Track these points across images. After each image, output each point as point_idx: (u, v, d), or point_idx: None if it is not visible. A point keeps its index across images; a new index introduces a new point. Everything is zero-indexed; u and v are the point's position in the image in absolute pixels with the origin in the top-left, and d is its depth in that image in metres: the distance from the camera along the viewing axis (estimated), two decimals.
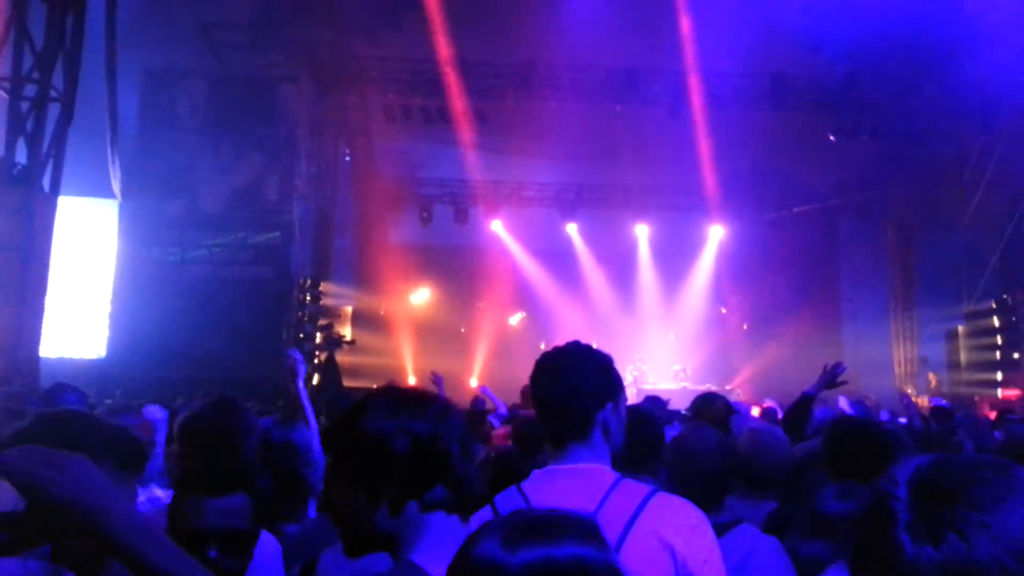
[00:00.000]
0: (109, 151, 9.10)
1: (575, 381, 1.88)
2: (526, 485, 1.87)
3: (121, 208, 11.61)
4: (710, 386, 14.83)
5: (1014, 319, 13.17)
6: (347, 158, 16.09)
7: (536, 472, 1.90)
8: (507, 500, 1.87)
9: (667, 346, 16.35)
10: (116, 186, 9.59)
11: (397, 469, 1.44)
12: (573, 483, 1.81)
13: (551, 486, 1.84)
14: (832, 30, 12.61)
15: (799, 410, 4.14)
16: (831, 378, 4.39)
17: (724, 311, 18.04)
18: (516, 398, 9.00)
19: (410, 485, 1.45)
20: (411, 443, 1.44)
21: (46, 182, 7.44)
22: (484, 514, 1.88)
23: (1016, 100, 12.87)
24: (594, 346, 2.01)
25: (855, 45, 12.77)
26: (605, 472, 1.83)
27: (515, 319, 17.87)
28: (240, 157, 12.93)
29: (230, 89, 12.86)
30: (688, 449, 2.74)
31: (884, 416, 7.21)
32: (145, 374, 10.09)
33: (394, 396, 1.52)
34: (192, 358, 10.79)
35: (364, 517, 1.44)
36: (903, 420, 5.75)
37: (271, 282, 12.78)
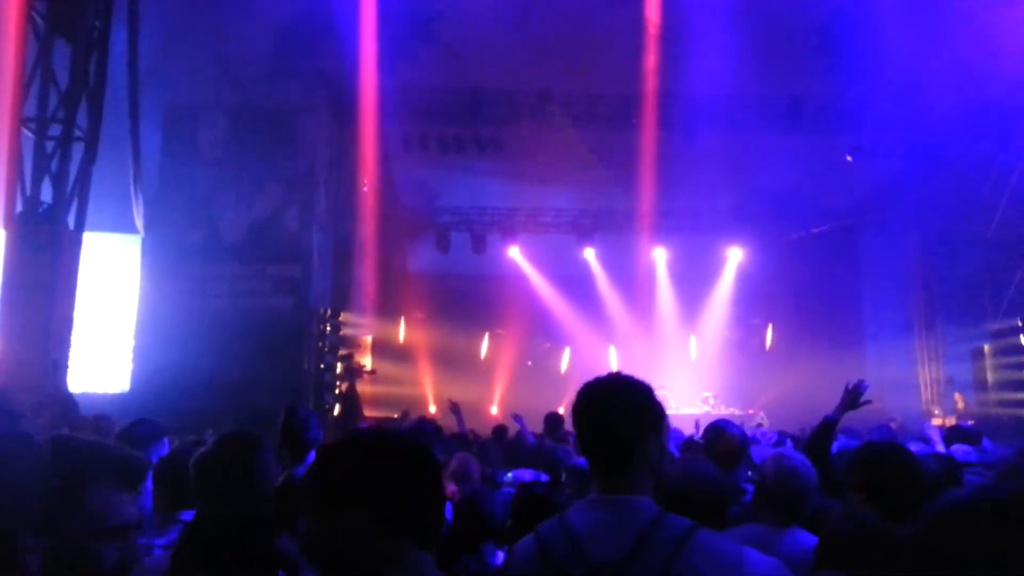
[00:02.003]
0: (132, 187, 9.26)
1: (617, 412, 1.89)
2: (570, 514, 1.88)
3: (144, 242, 11.77)
4: (733, 411, 14.72)
5: None
6: (365, 188, 16.23)
7: (578, 503, 1.93)
8: (550, 530, 1.88)
9: (688, 371, 16.25)
10: (139, 221, 9.74)
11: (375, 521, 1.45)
12: (614, 515, 1.83)
13: (593, 516, 1.85)
14: (848, 49, 12.63)
15: (821, 436, 4.07)
16: (854, 398, 4.31)
17: (737, 335, 17.91)
18: (538, 425, 8.99)
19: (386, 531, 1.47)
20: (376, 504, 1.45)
21: (71, 220, 7.57)
22: (527, 543, 1.89)
23: None
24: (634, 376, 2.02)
25: (870, 64, 12.77)
26: (647, 505, 1.84)
27: (546, 353, 17.79)
28: (260, 189, 13.08)
29: (249, 122, 13.04)
30: (686, 477, 2.69)
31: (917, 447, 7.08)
32: (168, 407, 10.11)
33: (358, 450, 1.53)
34: (215, 389, 10.84)
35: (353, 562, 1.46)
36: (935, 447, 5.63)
37: (291, 312, 12.86)
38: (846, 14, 12.14)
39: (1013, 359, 13.42)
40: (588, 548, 1.78)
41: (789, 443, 5.90)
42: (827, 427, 4.09)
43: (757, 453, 3.76)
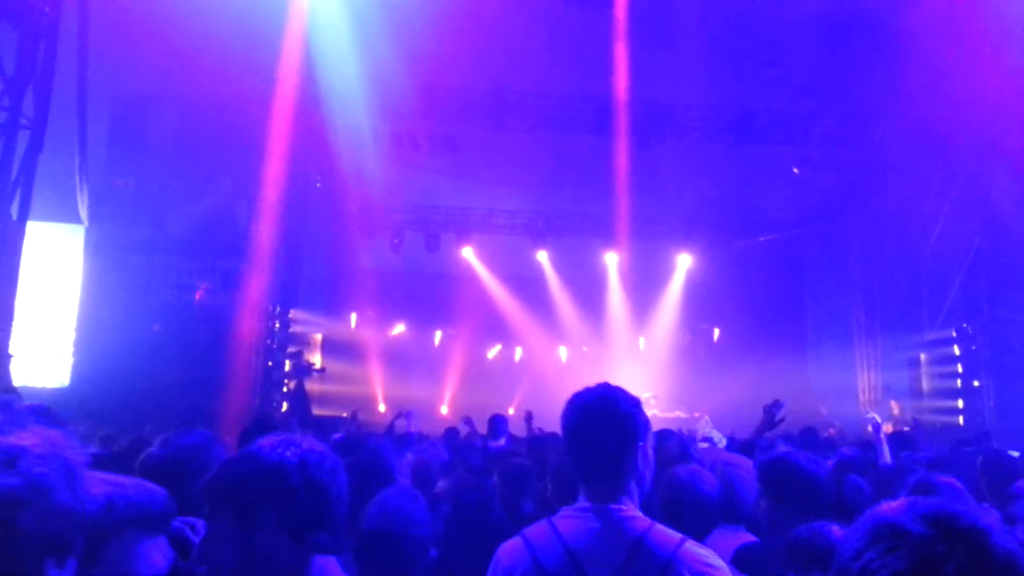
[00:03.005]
0: (77, 177, 9.00)
1: (607, 424, 1.94)
2: (558, 521, 1.92)
3: (88, 233, 11.45)
4: (679, 414, 14.97)
5: (974, 347, 13.48)
6: (318, 184, 16.05)
7: (567, 509, 1.95)
8: (539, 535, 1.91)
9: (637, 373, 16.46)
10: (84, 212, 9.47)
11: (283, 513, 1.49)
12: (604, 523, 1.87)
13: (584, 524, 1.88)
14: (796, 65, 12.95)
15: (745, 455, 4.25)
16: (771, 418, 4.51)
17: (688, 340, 18.21)
18: (487, 425, 9.02)
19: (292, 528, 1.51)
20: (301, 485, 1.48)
21: (14, 210, 7.34)
22: (514, 547, 1.92)
23: (973, 137, 13.29)
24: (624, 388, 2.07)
25: (818, 80, 13.12)
26: (636, 516, 1.88)
27: (492, 352, 17.86)
28: (209, 182, 12.83)
29: (200, 114, 12.77)
30: (682, 483, 2.82)
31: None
32: (110, 402, 9.91)
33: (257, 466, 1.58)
34: (158, 386, 10.59)
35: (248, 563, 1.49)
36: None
37: (239, 308, 12.64)
38: (798, 30, 12.44)
39: (947, 368, 13.93)
40: (581, 558, 1.81)
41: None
42: (747, 449, 4.28)
43: (707, 456, 3.88)
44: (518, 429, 8.74)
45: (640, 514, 1.88)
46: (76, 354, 11.39)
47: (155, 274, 12.07)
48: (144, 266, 11.89)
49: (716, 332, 18.21)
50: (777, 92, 13.84)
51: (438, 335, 17.48)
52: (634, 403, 1.99)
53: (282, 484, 1.54)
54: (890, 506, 1.16)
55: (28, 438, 1.16)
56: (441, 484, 4.45)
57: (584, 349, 17.58)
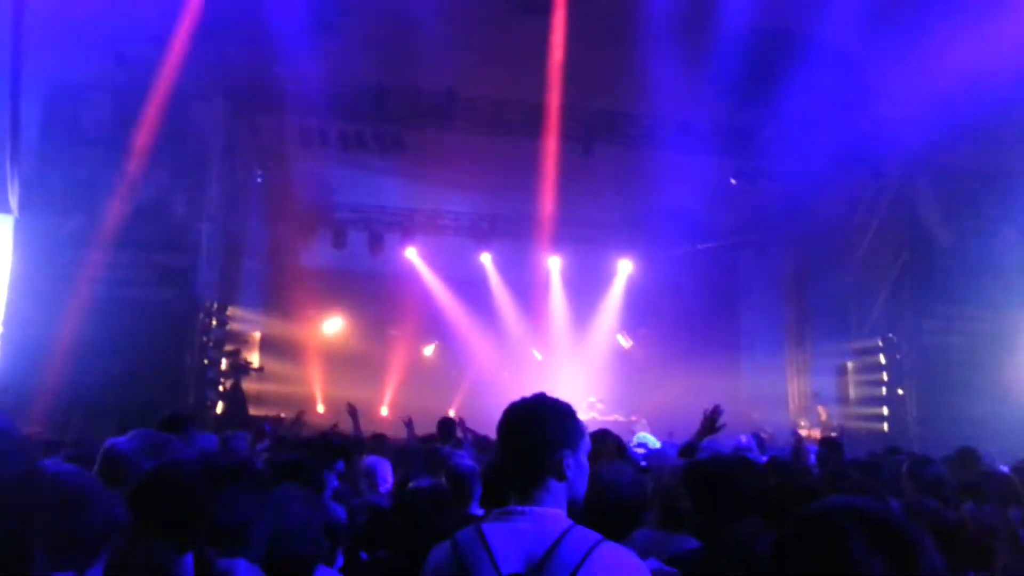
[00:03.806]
0: (8, 165, 8.68)
1: (531, 428, 2.03)
2: (485, 525, 1.98)
3: (17, 224, 11.03)
4: (617, 417, 15.20)
5: (898, 356, 14.05)
6: (259, 179, 15.80)
7: (495, 511, 2.03)
8: (466, 538, 1.98)
9: (577, 377, 16.66)
10: (14, 201, 9.14)
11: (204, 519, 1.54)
12: (527, 526, 1.94)
13: (508, 527, 1.96)
14: (735, 77, 13.30)
15: (685, 455, 4.40)
16: (712, 423, 4.69)
17: (628, 344, 18.49)
18: (429, 427, 9.05)
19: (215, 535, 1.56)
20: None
21: None
22: (443, 549, 1.97)
23: (902, 154, 13.87)
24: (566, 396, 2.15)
25: (755, 93, 13.51)
26: (559, 517, 1.96)
27: (429, 349, 17.83)
28: (146, 174, 12.49)
29: (137, 104, 12.42)
30: (604, 483, 2.88)
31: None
32: (38, 401, 9.58)
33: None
34: (90, 384, 10.28)
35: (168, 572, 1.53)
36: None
37: (175, 304, 12.34)
38: (736, 42, 12.78)
39: (873, 376, 14.48)
40: (498, 558, 1.88)
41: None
42: (689, 451, 4.42)
43: (655, 459, 3.99)
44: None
45: (562, 515, 1.96)
46: (3, 350, 10.96)
47: (87, 267, 11.68)
48: (76, 259, 11.49)
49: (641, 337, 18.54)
50: (717, 103, 14.20)
51: (380, 336, 17.36)
52: (564, 412, 2.06)
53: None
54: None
55: None
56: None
57: (538, 356, 17.69)
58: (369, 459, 4.71)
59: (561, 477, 1.99)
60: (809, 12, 12.02)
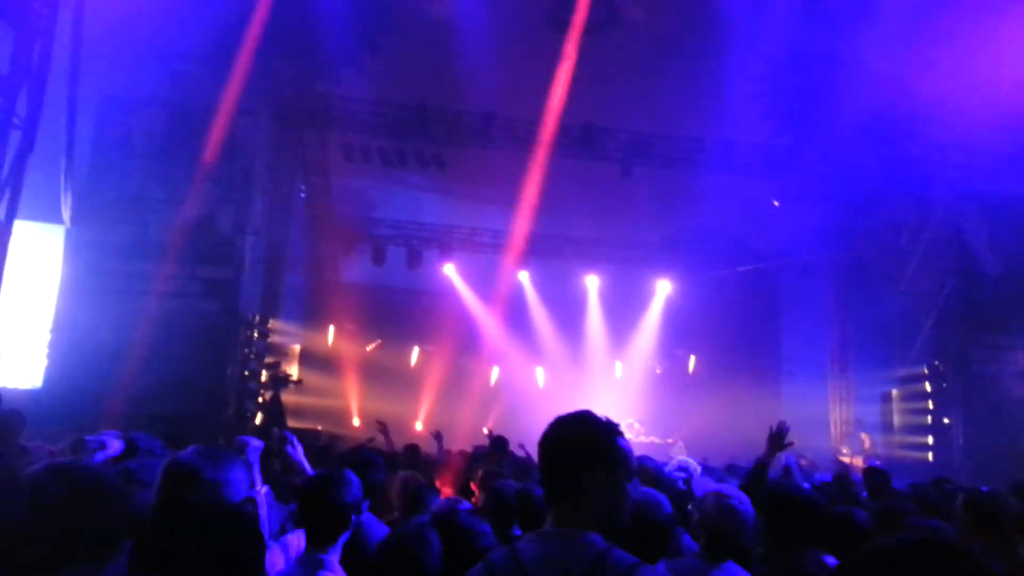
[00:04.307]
0: (63, 178, 8.92)
1: (561, 448, 2.00)
2: (519, 545, 1.95)
3: (68, 235, 11.32)
4: (654, 439, 15.04)
5: (944, 385, 13.71)
6: (302, 194, 16.03)
7: (531, 533, 2.01)
8: (500, 559, 1.95)
9: (613, 397, 16.52)
10: (66, 214, 9.38)
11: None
12: (562, 547, 1.90)
13: (543, 548, 1.93)
14: (778, 99, 13.21)
15: (756, 476, 4.28)
16: (779, 440, 4.57)
17: (659, 371, 18.32)
18: (461, 443, 9.07)
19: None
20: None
21: (2, 210, 7.25)
22: (479, 569, 1.95)
23: (949, 178, 13.60)
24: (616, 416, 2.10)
25: (800, 115, 13.38)
26: (594, 540, 1.91)
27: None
28: (194, 188, 12.75)
29: (188, 119, 12.70)
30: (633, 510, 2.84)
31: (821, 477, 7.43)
32: (81, 407, 9.75)
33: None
34: (132, 392, 10.45)
35: None
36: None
37: (219, 317, 12.52)
38: (778, 65, 12.70)
39: (918, 404, 14.14)
40: None
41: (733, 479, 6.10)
42: (760, 468, 4.31)
43: (699, 487, 3.91)
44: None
45: (597, 538, 1.91)
46: (50, 356, 11.22)
47: (135, 278, 11.92)
48: (124, 270, 11.74)
49: (692, 360, 18.34)
50: (759, 125, 14.09)
51: (416, 351, 17.42)
52: (604, 432, 2.00)
53: None
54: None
55: None
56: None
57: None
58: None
59: (598, 499, 1.94)
60: (854, 35, 11.90)
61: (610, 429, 2.02)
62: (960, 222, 13.93)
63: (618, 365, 17.93)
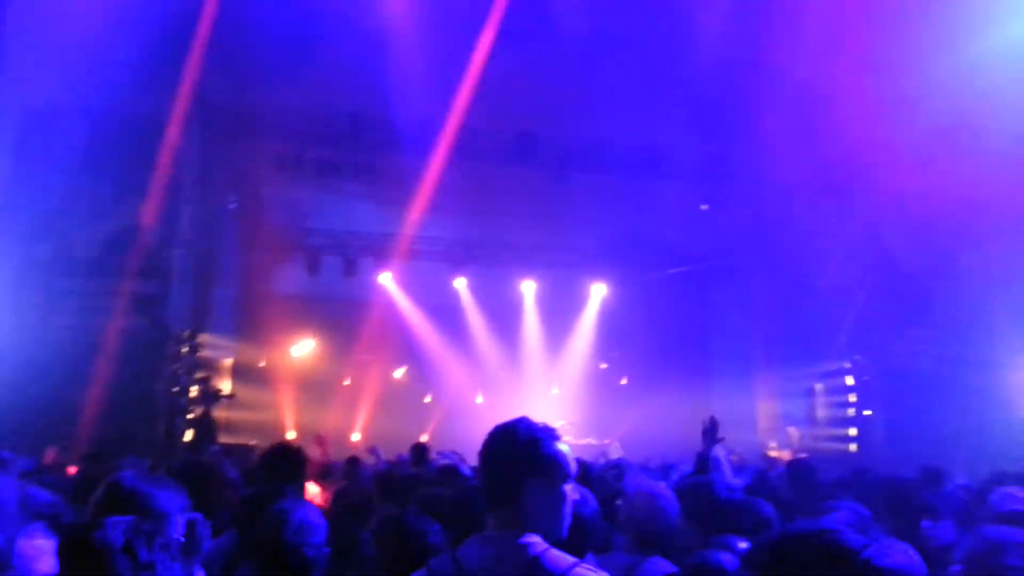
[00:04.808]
0: None
1: (502, 454, 2.08)
2: (460, 551, 2.03)
3: None
4: (591, 440, 15.25)
5: (865, 378, 14.32)
6: (233, 205, 15.76)
7: (472, 537, 2.08)
8: (440, 563, 2.03)
9: (551, 401, 16.71)
10: None
11: None
12: (500, 549, 1.99)
13: (481, 552, 2.01)
14: (705, 106, 13.61)
15: (703, 468, 4.50)
16: (713, 433, 4.81)
17: (604, 366, 18.62)
18: (401, 451, 9.08)
19: None
20: None
21: None
22: (419, 574, 2.03)
23: (868, 180, 14.22)
24: (567, 423, 2.20)
25: (725, 121, 13.83)
26: (532, 541, 1.99)
27: (399, 372, 17.78)
28: (119, 201, 12.44)
29: (113, 130, 12.37)
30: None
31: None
32: (5, 429, 9.42)
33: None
34: (58, 412, 10.14)
35: None
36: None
37: (147, 332, 12.24)
38: (707, 72, 13.09)
39: (841, 397, 14.73)
40: None
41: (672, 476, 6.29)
42: (704, 461, 4.53)
43: (629, 484, 4.04)
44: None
45: (538, 540, 1.98)
46: None
47: (58, 296, 11.56)
48: (46, 286, 11.37)
49: (624, 380, 18.66)
50: (687, 131, 14.50)
51: (352, 362, 17.27)
52: (542, 437, 2.08)
53: None
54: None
55: None
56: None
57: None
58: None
59: (536, 503, 2.02)
60: (778, 45, 12.35)
61: (547, 434, 2.11)
62: (878, 220, 14.57)
63: (555, 369, 18.13)
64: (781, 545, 1.49)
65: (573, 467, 2.13)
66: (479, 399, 17.56)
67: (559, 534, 2.06)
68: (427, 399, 17.59)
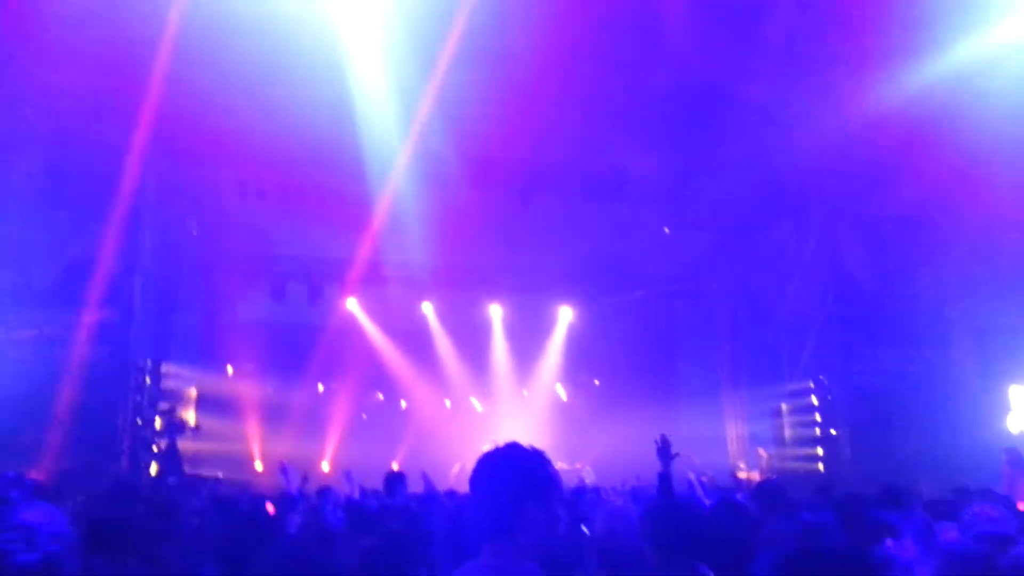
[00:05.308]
0: None
1: (497, 480, 2.07)
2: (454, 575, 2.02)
3: None
4: (562, 465, 15.22)
5: (829, 397, 14.49)
6: (194, 232, 15.56)
7: (469, 565, 2.06)
8: None
9: (521, 425, 16.66)
10: None
11: None
12: None
13: None
14: (664, 129, 13.79)
15: (665, 488, 4.50)
16: (667, 451, 4.85)
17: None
18: (374, 478, 8.99)
19: None
20: None
21: None
22: None
23: (823, 200, 14.52)
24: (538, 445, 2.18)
25: (685, 144, 14.01)
26: (526, 568, 2.00)
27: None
28: (77, 229, 12.22)
29: (70, 158, 12.19)
30: None
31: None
32: None
33: None
34: (17, 447, 9.87)
35: None
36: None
37: (107, 363, 12.00)
38: (666, 95, 13.28)
39: (807, 417, 14.88)
40: None
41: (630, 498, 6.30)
42: (665, 480, 4.54)
43: (596, 505, 4.05)
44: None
45: (530, 566, 2.00)
46: None
47: (14, 327, 11.28)
48: (4, 318, 11.10)
49: (595, 384, 18.72)
50: (649, 154, 14.68)
51: (320, 389, 17.09)
52: (528, 462, 2.09)
53: None
54: None
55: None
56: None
57: (478, 407, 17.61)
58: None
59: (532, 527, 2.01)
60: (731, 68, 12.59)
61: (540, 458, 2.12)
62: (835, 240, 14.85)
63: (524, 393, 18.10)
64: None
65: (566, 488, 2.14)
66: (449, 424, 17.45)
67: (551, 554, 2.06)
68: (396, 424, 17.44)
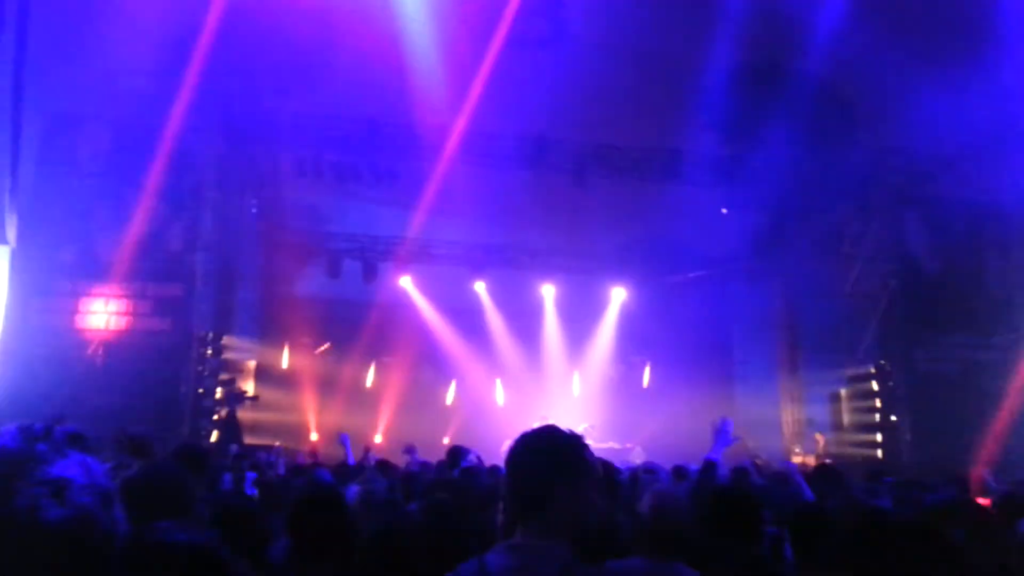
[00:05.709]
0: (7, 198, 8.76)
1: (532, 461, 2.06)
2: (488, 557, 2.03)
3: (13, 255, 11.08)
4: (612, 444, 15.20)
5: (890, 384, 14.12)
6: (254, 210, 15.87)
7: (499, 544, 2.07)
8: (469, 569, 2.03)
9: (571, 405, 16.66)
10: (12, 234, 9.21)
11: None
12: (527, 558, 1.97)
13: (510, 560, 2.00)
14: (724, 110, 13.52)
15: (707, 475, 4.41)
16: (725, 437, 4.72)
17: (621, 371, 18.49)
18: (423, 453, 9.11)
19: None
20: None
21: None
22: None
23: (889, 183, 14.07)
24: (579, 429, 2.16)
25: (743, 125, 13.72)
26: (559, 553, 1.98)
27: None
28: (141, 206, 12.59)
29: (134, 136, 12.56)
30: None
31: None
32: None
33: None
34: (83, 414, 10.25)
35: None
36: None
37: (170, 335, 12.40)
38: (728, 77, 13.01)
39: (866, 403, 14.54)
40: None
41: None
42: (709, 467, 4.44)
43: (647, 487, 4.01)
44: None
45: (563, 549, 1.97)
46: None
47: (83, 299, 11.72)
48: (71, 291, 11.54)
49: (647, 368, 18.57)
50: (705, 135, 14.42)
51: (373, 364, 17.34)
52: (571, 444, 2.07)
53: None
54: None
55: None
56: None
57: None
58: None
59: (565, 510, 2.00)
60: (795, 47, 12.27)
61: (575, 441, 2.10)
62: (900, 225, 14.41)
63: (576, 374, 18.08)
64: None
65: (600, 472, 2.12)
66: (500, 401, 17.55)
67: (584, 538, 2.04)
68: (448, 401, 17.63)
